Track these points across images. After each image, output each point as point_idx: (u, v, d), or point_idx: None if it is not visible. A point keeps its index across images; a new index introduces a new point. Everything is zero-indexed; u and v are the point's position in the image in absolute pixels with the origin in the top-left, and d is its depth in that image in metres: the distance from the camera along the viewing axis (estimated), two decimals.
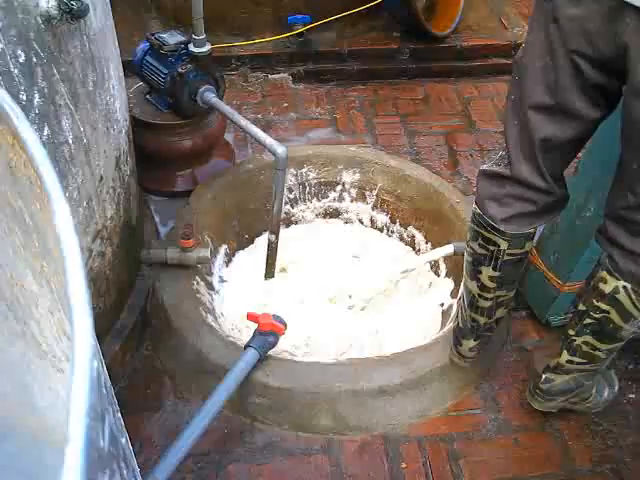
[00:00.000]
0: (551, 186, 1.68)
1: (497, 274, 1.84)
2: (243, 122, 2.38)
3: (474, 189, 2.88)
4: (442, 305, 2.51)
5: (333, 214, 2.87)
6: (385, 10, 3.67)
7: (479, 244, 1.82)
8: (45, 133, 1.64)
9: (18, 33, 1.49)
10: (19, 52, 1.52)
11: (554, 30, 1.45)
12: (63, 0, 1.53)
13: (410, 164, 2.87)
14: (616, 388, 2.17)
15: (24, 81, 1.54)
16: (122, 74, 2.12)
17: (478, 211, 1.79)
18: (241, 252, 2.69)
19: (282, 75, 3.54)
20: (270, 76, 3.53)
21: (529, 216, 1.73)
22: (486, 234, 1.78)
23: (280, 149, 2.25)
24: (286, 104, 3.35)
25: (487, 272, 1.84)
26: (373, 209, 2.82)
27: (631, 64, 1.37)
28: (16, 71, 1.51)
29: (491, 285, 1.87)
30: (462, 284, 2.02)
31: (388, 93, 3.51)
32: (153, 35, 2.57)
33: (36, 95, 1.59)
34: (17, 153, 0.61)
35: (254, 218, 2.73)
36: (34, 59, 1.55)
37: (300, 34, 3.57)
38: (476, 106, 3.48)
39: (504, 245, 1.77)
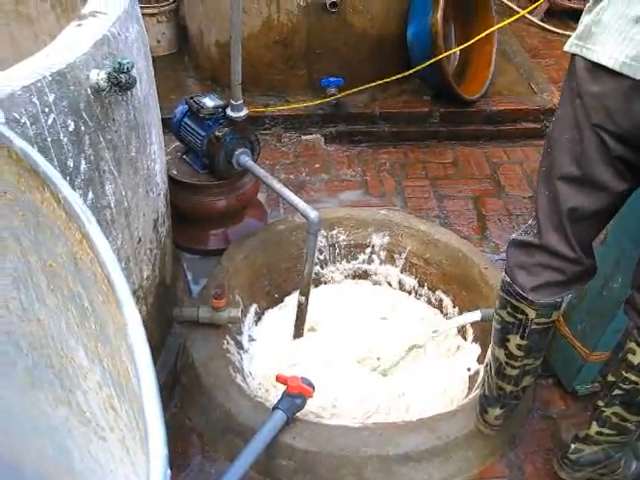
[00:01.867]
0: (579, 256, 1.71)
1: (525, 342, 1.86)
2: (277, 185, 2.44)
3: (502, 254, 2.94)
4: (469, 370, 2.52)
5: (362, 276, 2.91)
6: (416, 74, 3.76)
7: (507, 312, 1.84)
8: (89, 197, 1.71)
9: (69, 104, 1.56)
10: (69, 122, 1.59)
11: (579, 105, 1.52)
12: (112, 73, 1.61)
13: (439, 228, 2.91)
14: None
15: (72, 148, 1.61)
16: (162, 138, 2.20)
17: (507, 279, 1.82)
18: (270, 311, 2.73)
19: (314, 136, 3.62)
20: (303, 137, 3.61)
21: (557, 285, 1.76)
22: (515, 302, 1.81)
23: (313, 214, 2.30)
24: (318, 165, 3.42)
25: (515, 340, 1.87)
26: (402, 272, 2.86)
27: None
28: (65, 139, 1.58)
29: (519, 354, 1.89)
30: (489, 351, 2.04)
31: (418, 156, 3.58)
32: (192, 98, 2.66)
33: (82, 162, 1.66)
34: (84, 250, 0.66)
35: (284, 278, 2.78)
36: (82, 128, 1.63)
37: (334, 97, 3.66)
38: (505, 170, 3.53)
39: (532, 314, 1.79)
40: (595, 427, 1.92)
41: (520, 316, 1.82)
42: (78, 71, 1.57)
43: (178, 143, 2.82)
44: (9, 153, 0.75)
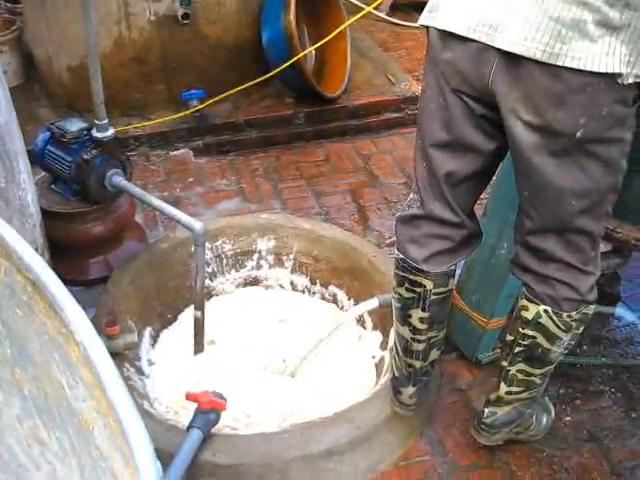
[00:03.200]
0: (463, 220, 1.77)
1: (427, 315, 1.89)
2: (156, 202, 2.38)
3: (386, 241, 2.98)
4: (374, 357, 2.53)
5: (253, 282, 2.88)
6: (276, 77, 3.76)
7: (406, 288, 1.87)
8: None
9: None
10: None
11: (438, 73, 1.59)
12: None
13: (322, 224, 2.92)
14: (553, 413, 2.24)
15: None
16: (29, 167, 2.09)
17: (400, 256, 1.85)
18: (166, 331, 2.65)
19: (183, 151, 3.56)
20: (171, 153, 3.54)
21: (448, 253, 1.81)
22: (411, 277, 1.83)
23: (197, 225, 2.25)
24: (191, 179, 3.36)
25: (417, 314, 1.90)
26: (292, 273, 2.84)
27: (499, 99, 1.49)
28: None
29: (422, 327, 1.92)
30: (394, 333, 2.05)
31: (290, 158, 3.58)
32: (53, 124, 2.55)
33: None
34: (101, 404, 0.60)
35: (174, 296, 2.70)
36: None
37: (196, 109, 3.60)
38: (376, 161, 3.59)
39: (430, 285, 1.83)
40: (504, 387, 1.97)
41: (418, 289, 1.85)
42: None
43: (44, 173, 2.69)
44: None
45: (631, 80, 1.36)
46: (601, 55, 1.33)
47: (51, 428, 0.74)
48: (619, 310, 2.79)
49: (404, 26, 5.14)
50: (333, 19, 4.04)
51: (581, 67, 1.34)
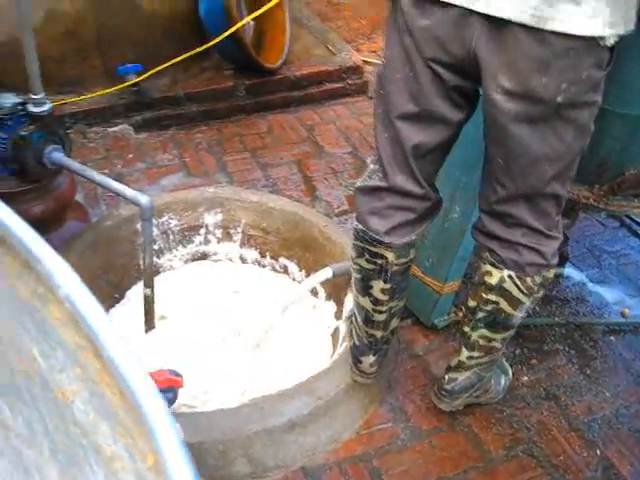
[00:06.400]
0: (427, 192, 1.73)
1: (388, 286, 1.86)
2: (98, 177, 2.29)
3: (335, 211, 2.95)
4: (329, 327, 2.51)
5: (201, 258, 2.81)
6: (215, 49, 3.67)
7: (366, 259, 1.83)
8: None
9: None
10: None
11: (409, 42, 1.51)
12: None
13: (270, 196, 2.87)
14: (510, 374, 2.26)
15: None
16: None
17: (361, 227, 1.80)
18: (113, 310, 2.57)
19: (122, 127, 3.44)
20: (110, 129, 3.42)
21: (410, 224, 1.78)
22: (372, 249, 1.80)
23: (144, 199, 2.17)
24: (131, 155, 3.26)
25: (378, 286, 1.86)
26: (241, 247, 2.79)
27: (481, 65, 1.45)
28: None
29: (384, 298, 1.89)
30: (353, 303, 2.02)
31: (232, 130, 3.51)
32: None
33: None
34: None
35: (121, 275, 2.62)
36: None
37: (134, 84, 3.49)
38: (320, 131, 3.55)
39: (391, 257, 1.80)
40: (465, 353, 1.97)
41: (380, 261, 1.81)
42: None
43: None
44: None
45: (612, 41, 1.35)
46: (586, 18, 1.31)
47: (17, 409, 0.67)
48: (568, 270, 2.82)
49: None
50: None
51: (568, 31, 1.31)
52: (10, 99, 2.42)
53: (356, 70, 4.02)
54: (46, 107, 2.37)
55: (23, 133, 2.35)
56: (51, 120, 2.43)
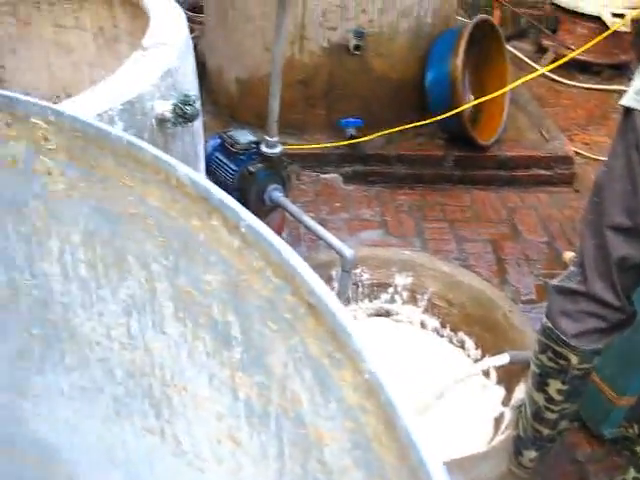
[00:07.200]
0: (624, 304, 1.74)
1: (566, 387, 1.87)
2: (310, 222, 2.47)
3: (522, 298, 2.97)
4: (493, 411, 2.53)
5: (384, 315, 2.92)
6: (432, 117, 3.81)
7: (548, 357, 1.86)
8: None
9: (134, 133, 1.58)
10: None
11: (636, 158, 1.54)
12: (178, 105, 1.63)
13: (461, 270, 2.94)
14: None
15: None
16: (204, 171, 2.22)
17: (549, 325, 1.84)
18: None
19: (333, 175, 3.66)
20: (321, 175, 3.64)
21: (600, 332, 1.78)
22: (557, 348, 1.82)
23: (348, 252, 2.33)
24: (338, 204, 3.46)
25: (555, 385, 1.88)
26: (424, 312, 2.87)
27: None
28: None
29: (558, 398, 1.90)
30: (525, 395, 2.05)
31: (435, 198, 3.63)
32: (225, 133, 2.70)
33: None
34: (263, 277, 0.65)
35: None
36: None
37: (351, 137, 3.70)
38: (520, 215, 3.58)
39: (575, 360, 1.81)
40: (632, 473, 1.93)
41: (562, 361, 1.83)
42: (145, 101, 1.59)
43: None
44: (167, 178, 0.76)
45: None
46: None
47: (258, 432, 0.78)
48: None
49: (563, 84, 5.10)
50: (497, 68, 4.07)
51: None
52: (246, 136, 2.67)
53: (566, 160, 4.02)
54: (277, 150, 2.60)
55: (252, 169, 2.59)
56: (278, 162, 2.65)
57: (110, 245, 0.92)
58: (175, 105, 1.63)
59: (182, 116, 1.65)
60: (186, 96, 1.64)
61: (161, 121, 1.65)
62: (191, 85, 1.85)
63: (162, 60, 1.71)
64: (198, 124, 1.97)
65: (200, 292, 0.78)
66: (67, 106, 1.48)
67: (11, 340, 1.13)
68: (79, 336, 1.07)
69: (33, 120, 0.87)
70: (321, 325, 0.59)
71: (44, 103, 0.86)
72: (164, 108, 1.63)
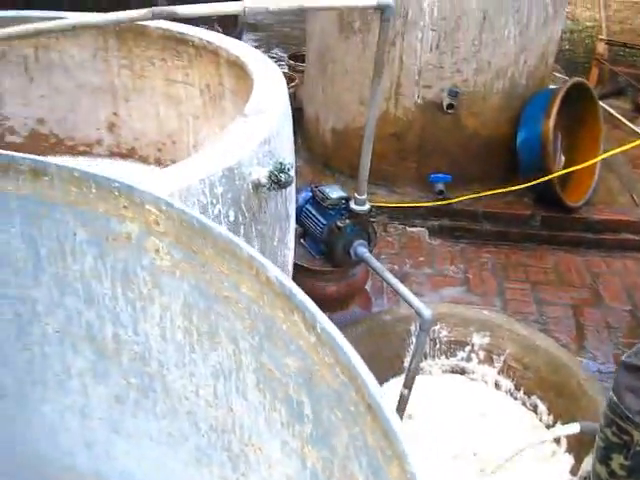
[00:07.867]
0: None
1: (628, 463, 1.90)
2: (393, 280, 2.56)
3: (600, 367, 2.97)
4: (561, 479, 2.54)
5: (459, 372, 2.98)
6: (521, 174, 3.86)
7: (612, 432, 1.89)
8: None
9: (232, 197, 1.72)
10: (230, 213, 1.75)
11: None
12: (274, 172, 1.76)
13: (539, 334, 2.97)
14: None
15: None
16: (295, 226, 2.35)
17: (615, 399, 1.87)
18: None
19: (419, 229, 3.74)
20: (408, 229, 3.73)
21: None
22: (621, 423, 1.85)
23: (427, 313, 2.40)
24: (422, 258, 3.54)
25: (618, 460, 1.90)
26: (499, 373, 2.92)
27: None
28: (225, 228, 1.74)
29: (621, 473, 1.92)
30: (591, 466, 2.07)
31: (519, 258, 3.67)
32: (317, 187, 2.83)
33: None
34: (336, 375, 0.76)
35: (385, 366, 2.86)
36: (240, 218, 1.78)
37: (439, 192, 3.79)
38: (604, 281, 3.58)
39: (638, 436, 1.84)
40: None
41: (626, 437, 1.86)
42: (244, 167, 1.73)
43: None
44: (257, 274, 0.87)
45: None
46: None
47: None
48: None
49: None
50: (590, 128, 4.10)
51: None
52: (337, 192, 2.80)
53: None
54: (365, 207, 2.71)
55: (340, 224, 2.71)
56: (366, 219, 2.76)
57: (205, 318, 1.04)
58: (271, 172, 1.76)
59: (277, 182, 1.78)
60: (281, 164, 1.76)
61: (257, 186, 1.78)
62: (287, 153, 1.98)
63: (261, 128, 1.85)
64: (291, 188, 2.11)
65: (280, 371, 0.90)
66: (173, 171, 1.63)
67: (112, 385, 1.27)
68: (171, 390, 1.20)
69: (147, 207, 1.01)
70: (377, 424, 0.68)
71: (158, 194, 0.99)
72: (260, 174, 1.76)
